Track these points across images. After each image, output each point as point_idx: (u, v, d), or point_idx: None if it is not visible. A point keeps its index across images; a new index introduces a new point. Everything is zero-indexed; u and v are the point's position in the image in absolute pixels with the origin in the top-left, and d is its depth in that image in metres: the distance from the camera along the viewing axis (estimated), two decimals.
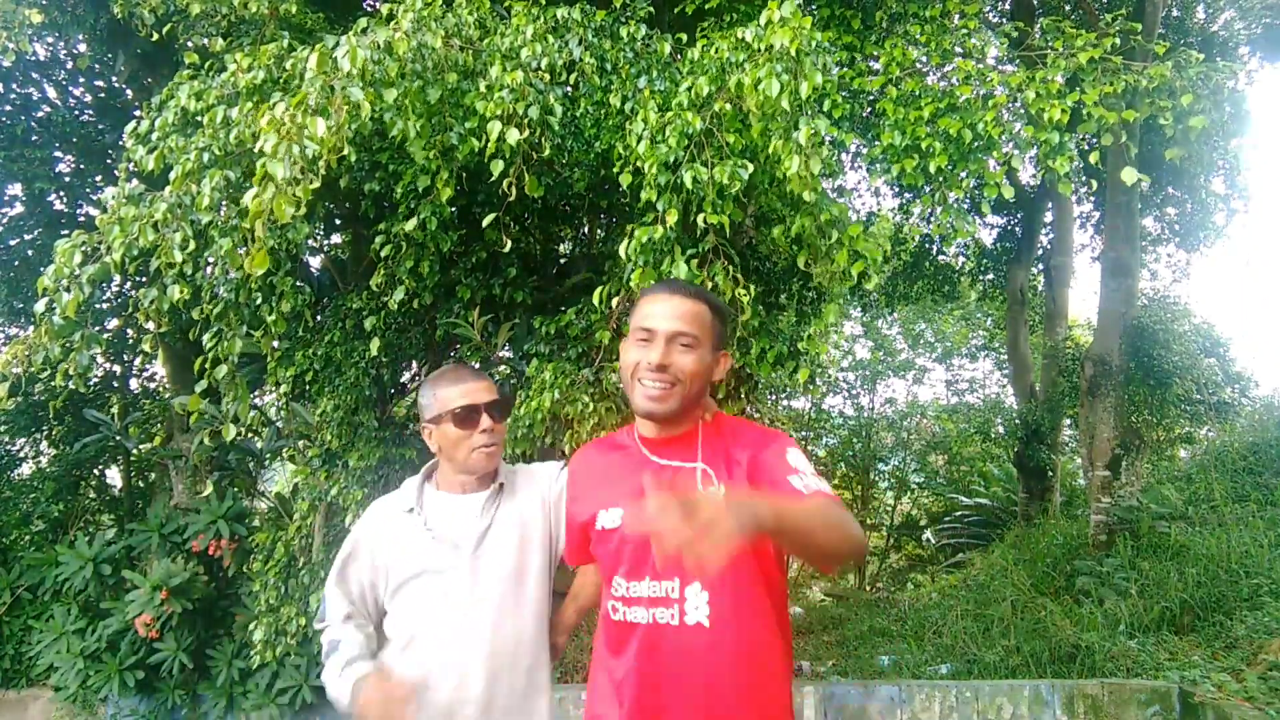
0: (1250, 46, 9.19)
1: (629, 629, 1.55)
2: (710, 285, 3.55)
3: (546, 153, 3.63)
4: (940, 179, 4.26)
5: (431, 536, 1.88)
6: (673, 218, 3.34)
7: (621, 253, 3.48)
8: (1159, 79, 3.99)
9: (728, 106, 3.49)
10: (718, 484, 1.53)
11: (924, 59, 4.62)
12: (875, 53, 4.91)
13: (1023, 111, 4.15)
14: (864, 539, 1.39)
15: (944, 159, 4.06)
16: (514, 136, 3.31)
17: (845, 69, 4.89)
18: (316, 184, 3.05)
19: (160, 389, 8.02)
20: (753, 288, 3.71)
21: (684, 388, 1.53)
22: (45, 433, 7.85)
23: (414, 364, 5.59)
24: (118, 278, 5.72)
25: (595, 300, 3.77)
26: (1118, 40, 4.22)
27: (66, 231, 4.12)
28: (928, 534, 12.84)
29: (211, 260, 3.88)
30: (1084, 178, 7.02)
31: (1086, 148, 4.34)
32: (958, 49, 4.61)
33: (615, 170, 3.75)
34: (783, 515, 1.28)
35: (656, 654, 1.51)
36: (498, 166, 3.39)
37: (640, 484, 1.42)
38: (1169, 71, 4.02)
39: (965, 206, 4.56)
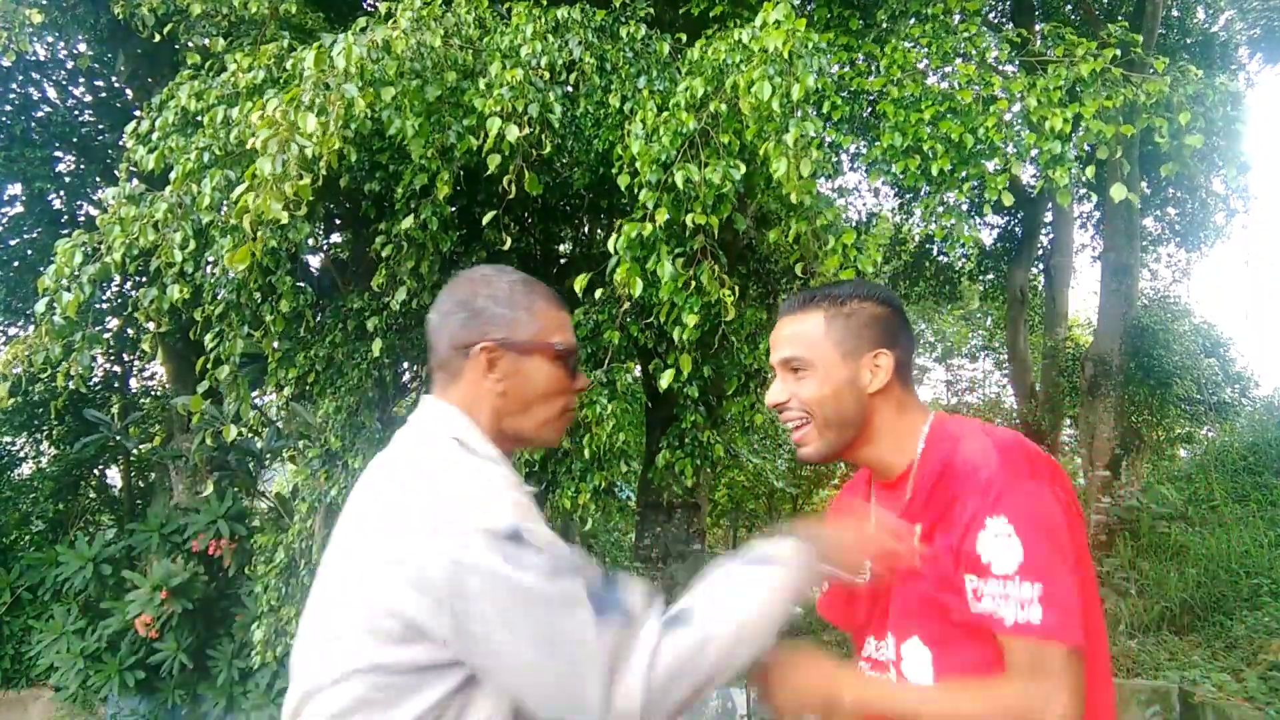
0: (1250, 47, 9.19)
1: None
2: (695, 284, 3.53)
3: (547, 151, 3.63)
4: (941, 181, 4.26)
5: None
6: (662, 216, 3.34)
7: (610, 247, 3.48)
8: (1157, 94, 3.99)
9: (723, 107, 3.50)
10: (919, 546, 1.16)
11: (925, 61, 4.63)
12: (874, 52, 4.91)
13: (1024, 116, 4.15)
14: None
15: (945, 161, 4.06)
16: (513, 134, 3.31)
17: (845, 69, 4.89)
18: (310, 180, 3.04)
19: (160, 389, 8.03)
20: (739, 284, 3.71)
21: (814, 418, 1.22)
22: (45, 433, 7.86)
23: (414, 365, 5.59)
24: (118, 277, 5.72)
25: (576, 289, 3.70)
26: (1118, 52, 4.22)
27: (66, 231, 4.13)
28: None
29: (212, 260, 3.88)
30: (1083, 190, 7.03)
31: (1087, 156, 4.33)
32: (959, 51, 4.61)
33: (615, 170, 3.75)
34: (861, 704, 1.08)
35: None
36: (495, 161, 3.39)
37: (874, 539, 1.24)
38: (1166, 87, 4.01)
39: (966, 208, 4.56)
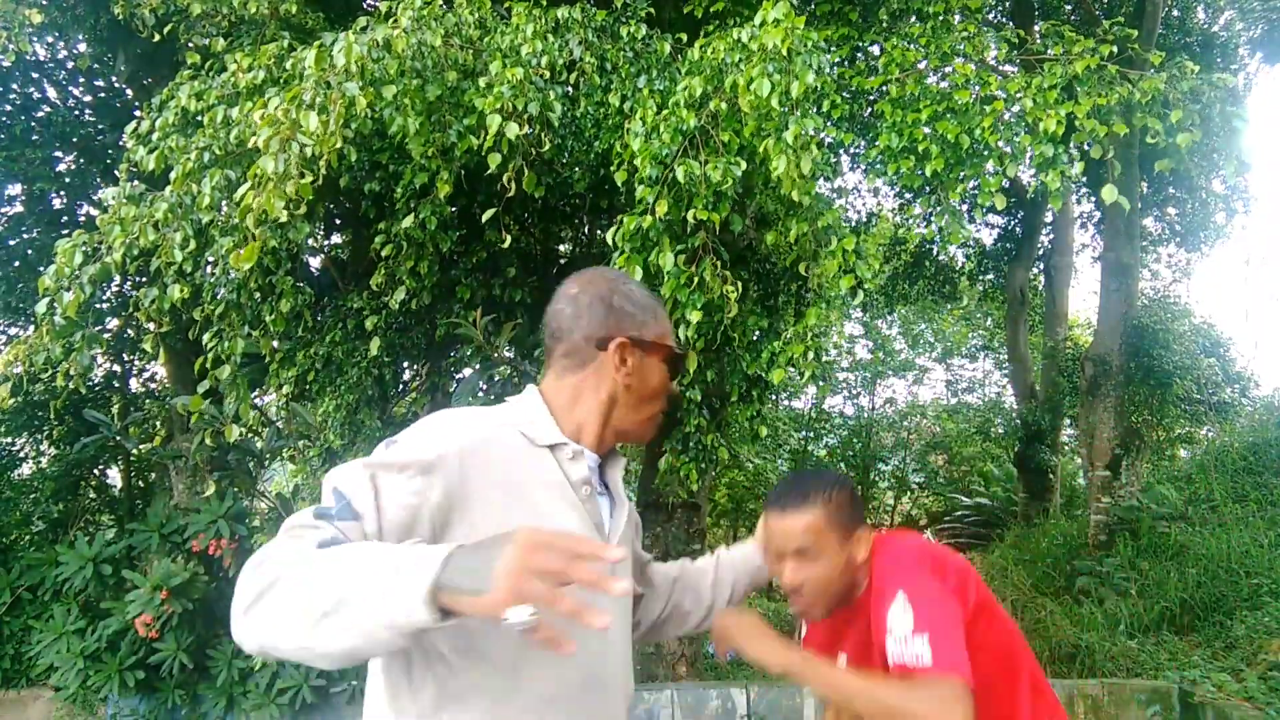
0: (1250, 48, 9.19)
1: None
2: (698, 281, 3.54)
3: (546, 149, 3.64)
4: (937, 182, 4.26)
5: (584, 495, 1.19)
6: (662, 209, 3.35)
7: (609, 239, 3.49)
8: (1152, 92, 3.99)
9: (723, 105, 3.50)
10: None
11: (924, 60, 4.63)
12: (875, 42, 4.90)
13: (1020, 116, 4.15)
14: None
15: (941, 162, 4.06)
16: (513, 131, 3.32)
17: (845, 68, 4.89)
18: (311, 179, 3.05)
19: (160, 389, 8.03)
20: (740, 285, 3.71)
21: (822, 597, 1.51)
22: (45, 433, 7.86)
23: (415, 364, 5.60)
24: (118, 277, 5.72)
25: None
26: (1115, 48, 4.22)
27: (66, 231, 4.12)
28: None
29: (212, 260, 3.88)
30: (1082, 190, 7.04)
31: (1082, 156, 4.33)
32: (957, 50, 4.62)
33: (614, 169, 3.76)
34: (803, 678, 1.40)
35: None
36: (495, 159, 3.40)
37: (841, 641, 1.58)
38: (1162, 85, 4.01)
39: (963, 209, 4.57)
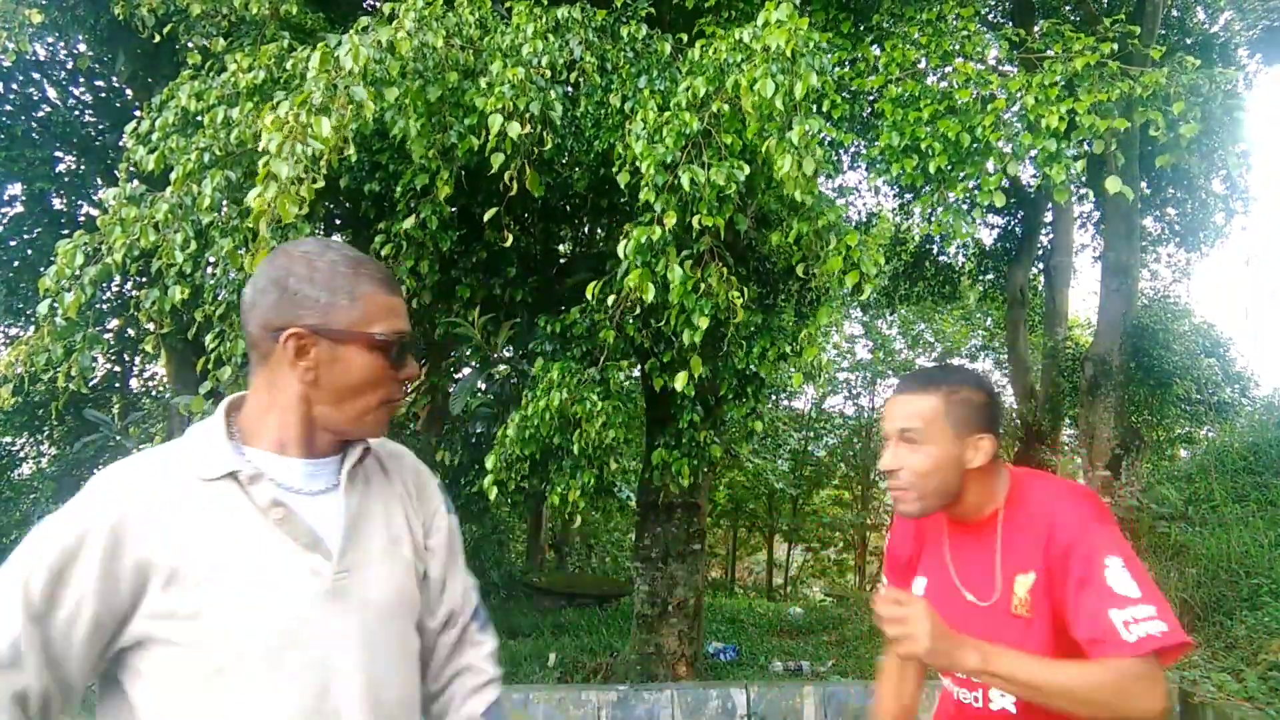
0: (1249, 48, 9.20)
1: (957, 705, 1.54)
2: (704, 287, 3.57)
3: (547, 148, 3.65)
4: (939, 179, 4.27)
5: (278, 518, 1.04)
6: (671, 220, 3.36)
7: (619, 252, 3.51)
8: (1153, 86, 4.00)
9: (725, 107, 3.51)
10: (1024, 594, 1.39)
11: (923, 60, 4.64)
12: (870, 54, 4.92)
13: (1021, 114, 4.16)
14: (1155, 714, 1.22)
15: (944, 159, 4.07)
16: (515, 130, 3.32)
17: (845, 69, 4.90)
18: (320, 183, 3.05)
19: (160, 389, 8.04)
20: (747, 290, 3.73)
21: (918, 487, 1.41)
22: (45, 433, 7.86)
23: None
24: (118, 278, 5.72)
25: (588, 295, 3.79)
26: (1116, 45, 4.23)
27: (67, 231, 4.13)
28: None
29: (212, 261, 3.89)
30: (1081, 185, 7.06)
31: (1083, 154, 4.34)
32: (957, 50, 4.62)
33: (615, 170, 3.76)
34: (1002, 674, 1.24)
35: None
36: (498, 160, 3.40)
37: (941, 560, 1.50)
38: (1163, 79, 4.02)
39: (964, 207, 4.56)
